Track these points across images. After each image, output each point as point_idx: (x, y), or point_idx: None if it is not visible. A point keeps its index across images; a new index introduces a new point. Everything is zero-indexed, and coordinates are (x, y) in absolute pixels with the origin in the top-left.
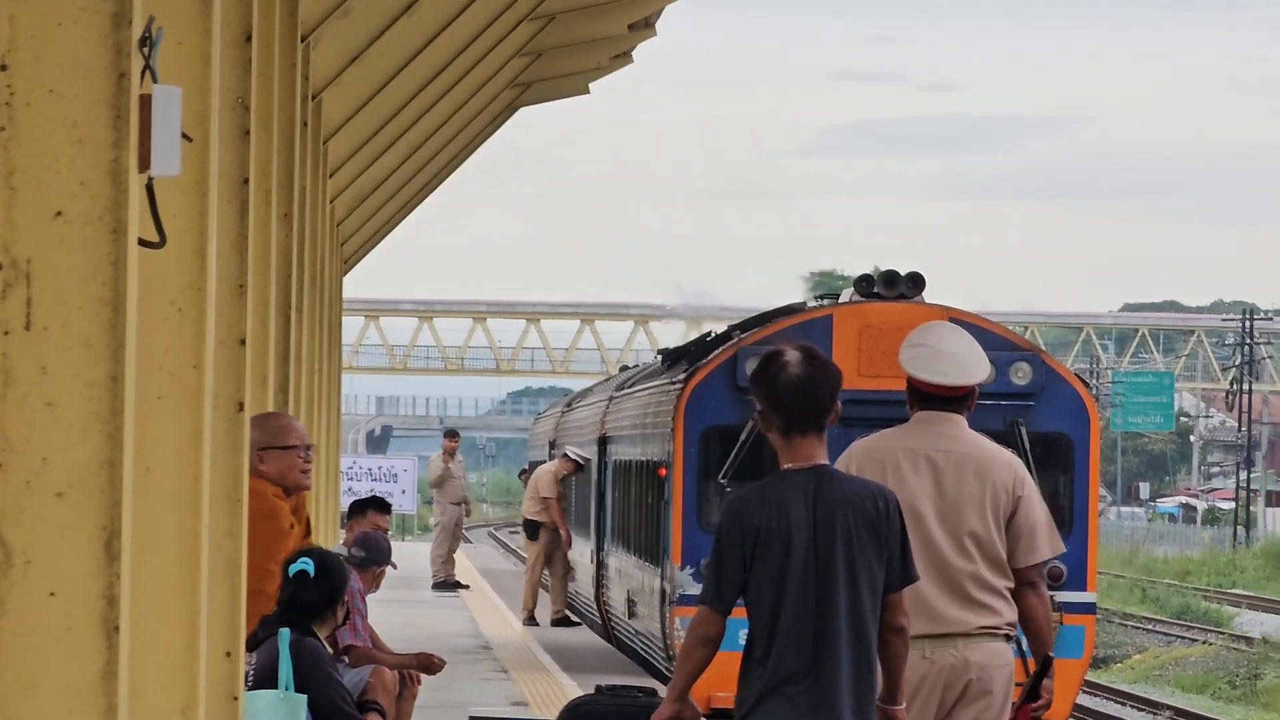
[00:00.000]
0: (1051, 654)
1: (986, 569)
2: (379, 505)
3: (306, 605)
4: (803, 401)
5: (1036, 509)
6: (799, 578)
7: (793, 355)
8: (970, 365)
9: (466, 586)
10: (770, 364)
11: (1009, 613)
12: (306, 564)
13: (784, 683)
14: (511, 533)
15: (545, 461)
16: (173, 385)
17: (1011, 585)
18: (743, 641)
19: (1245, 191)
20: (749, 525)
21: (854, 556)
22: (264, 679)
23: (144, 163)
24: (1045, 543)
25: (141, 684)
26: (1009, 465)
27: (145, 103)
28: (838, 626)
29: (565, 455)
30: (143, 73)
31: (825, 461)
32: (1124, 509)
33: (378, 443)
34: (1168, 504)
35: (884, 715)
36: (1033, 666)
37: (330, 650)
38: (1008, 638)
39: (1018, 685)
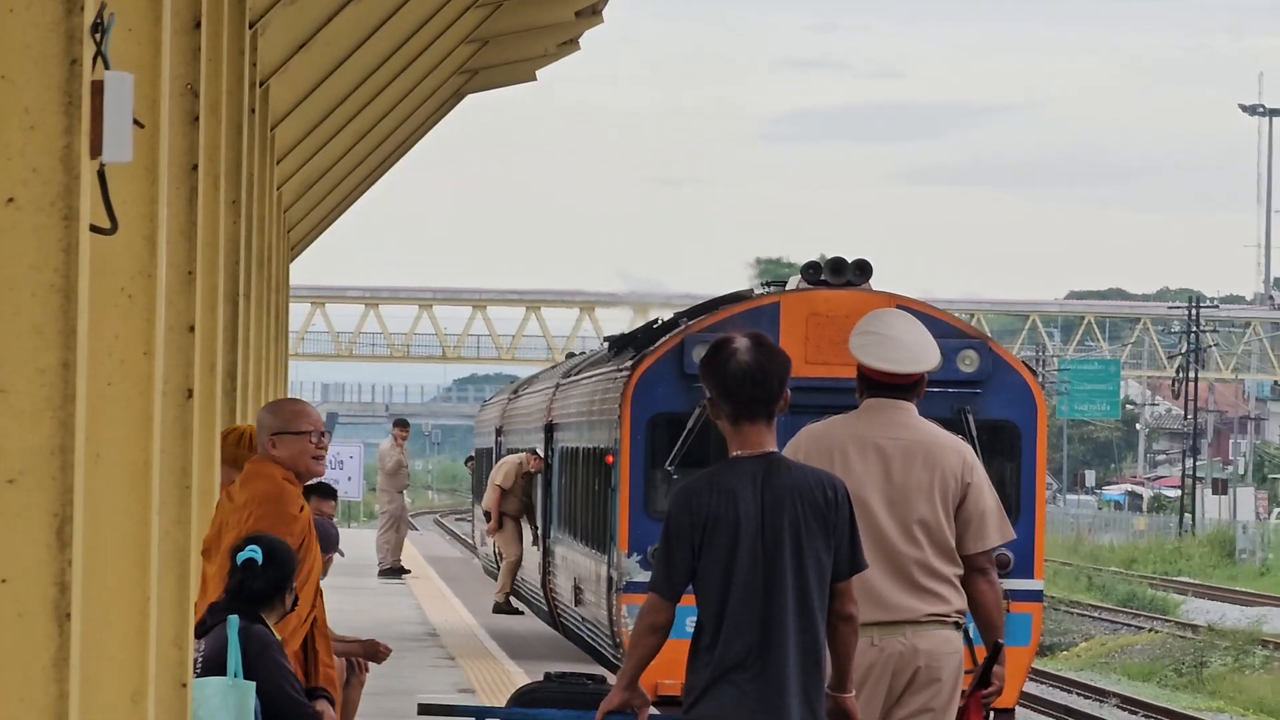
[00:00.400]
0: (1002, 640)
1: (935, 557)
2: (324, 491)
3: (255, 592)
4: (752, 389)
5: (986, 495)
6: (747, 565)
7: (742, 342)
8: (921, 352)
9: (409, 571)
10: (719, 351)
11: (958, 600)
12: (254, 551)
13: (732, 670)
14: (457, 519)
15: (491, 448)
16: (123, 372)
17: (960, 573)
18: (691, 629)
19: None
20: (698, 512)
21: (802, 544)
22: (212, 666)
23: (96, 149)
24: (995, 529)
25: (92, 671)
26: (958, 452)
27: (97, 89)
28: (785, 614)
29: (534, 451)
30: (95, 59)
31: (774, 449)
32: (1072, 497)
33: None
34: (1113, 492)
35: (833, 703)
36: (981, 654)
37: (279, 637)
38: (956, 625)
39: (967, 673)
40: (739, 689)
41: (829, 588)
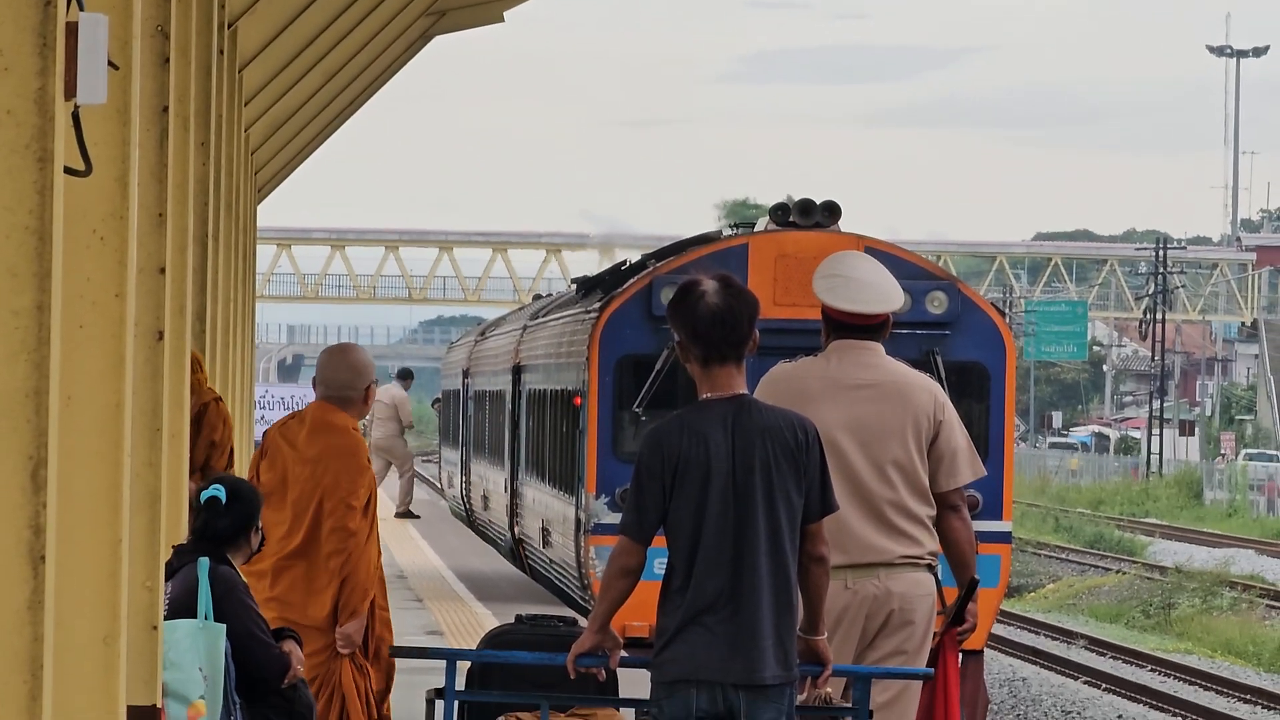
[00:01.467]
0: (976, 577)
1: (909, 497)
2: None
3: (219, 532)
4: (721, 330)
5: (957, 433)
6: (718, 507)
7: (710, 284)
8: (885, 293)
9: (419, 517)
10: (688, 293)
11: (931, 542)
12: (218, 490)
13: (703, 612)
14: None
15: (459, 390)
16: (95, 314)
17: (934, 514)
18: (661, 571)
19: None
20: (669, 454)
21: (773, 486)
22: (179, 608)
23: (70, 91)
24: (967, 466)
25: (65, 614)
26: (929, 390)
27: (71, 31)
28: (757, 556)
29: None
30: (68, 1)
31: (744, 391)
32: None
33: (289, 371)
34: (1080, 433)
35: (805, 645)
36: (952, 595)
37: (245, 579)
38: (930, 567)
39: (939, 614)
40: (710, 631)
41: (800, 529)
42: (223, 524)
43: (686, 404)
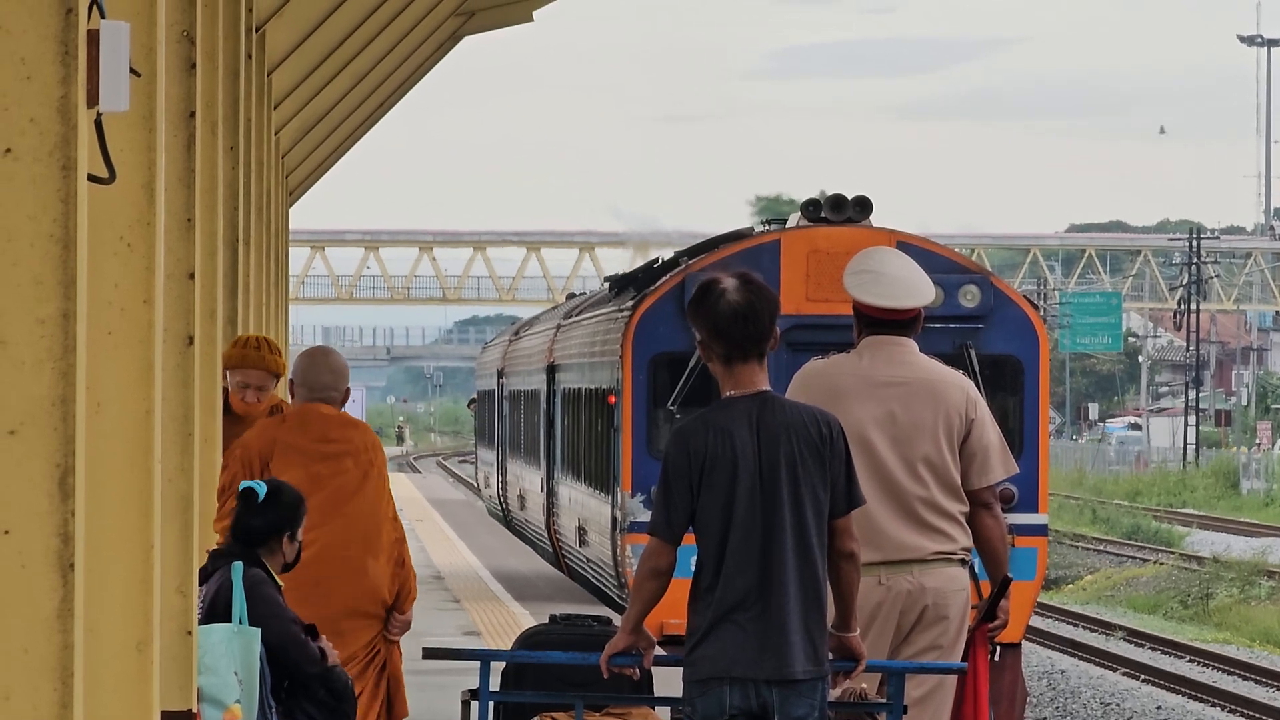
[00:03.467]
0: (1010, 575)
1: (941, 494)
2: None
3: (251, 530)
4: (742, 328)
5: (989, 430)
6: (745, 504)
7: (730, 282)
8: (916, 287)
9: None
10: (708, 292)
11: (964, 538)
12: (258, 485)
13: (733, 610)
14: (461, 462)
15: (494, 390)
16: (123, 320)
17: (966, 510)
18: (694, 569)
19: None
20: (695, 453)
21: (799, 481)
22: (212, 613)
23: (93, 98)
24: (999, 464)
25: (96, 621)
26: (960, 388)
27: (93, 38)
28: (785, 552)
29: None
30: (90, 8)
31: (767, 388)
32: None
33: None
34: (1116, 424)
35: (838, 642)
36: (987, 589)
37: (279, 583)
38: (963, 563)
39: (973, 609)
40: (741, 628)
41: (828, 525)
42: (256, 522)
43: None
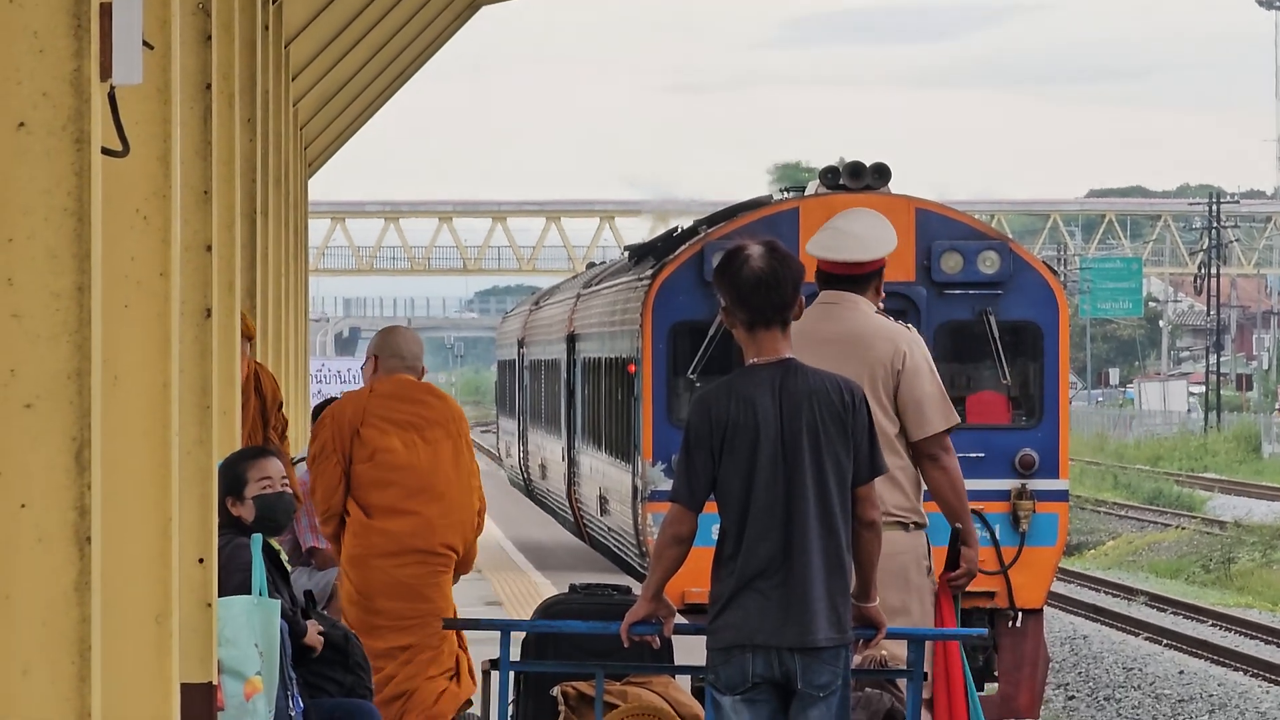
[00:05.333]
0: (959, 525)
1: None
2: None
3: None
4: (765, 295)
5: (924, 381)
6: (767, 472)
7: (755, 249)
8: (862, 243)
9: None
10: (733, 259)
11: (903, 498)
12: None
13: (756, 578)
14: (483, 431)
15: (514, 360)
16: (139, 293)
17: (906, 464)
18: (716, 538)
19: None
20: (717, 420)
21: (821, 449)
22: (221, 586)
23: (106, 71)
24: (937, 414)
25: (115, 594)
26: (890, 340)
27: (106, 11)
28: (807, 520)
29: None
30: None
31: (790, 355)
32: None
33: (346, 344)
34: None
35: (858, 612)
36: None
37: (275, 551)
38: (905, 525)
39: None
40: (764, 596)
41: (849, 493)
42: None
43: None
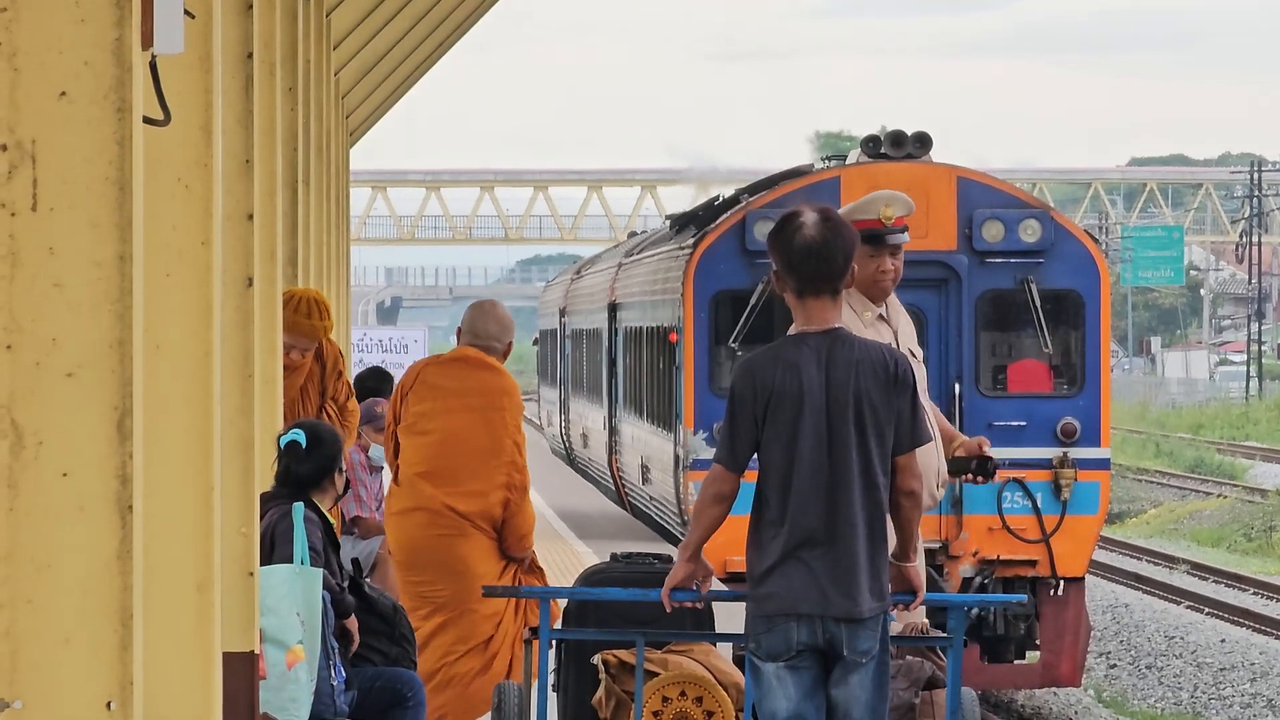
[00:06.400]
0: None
1: None
2: (380, 375)
3: (300, 477)
4: (815, 263)
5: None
6: (811, 440)
7: (809, 217)
8: None
9: None
10: (786, 225)
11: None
12: (297, 434)
13: (800, 546)
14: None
15: (556, 329)
16: (181, 262)
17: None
18: (755, 504)
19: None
20: (761, 385)
21: (865, 419)
22: (276, 554)
23: (147, 40)
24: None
25: (156, 562)
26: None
27: None
28: (851, 490)
29: None
30: None
31: (839, 324)
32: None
33: (388, 314)
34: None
35: (897, 572)
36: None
37: (328, 522)
38: None
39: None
40: (808, 566)
41: (890, 462)
42: (304, 469)
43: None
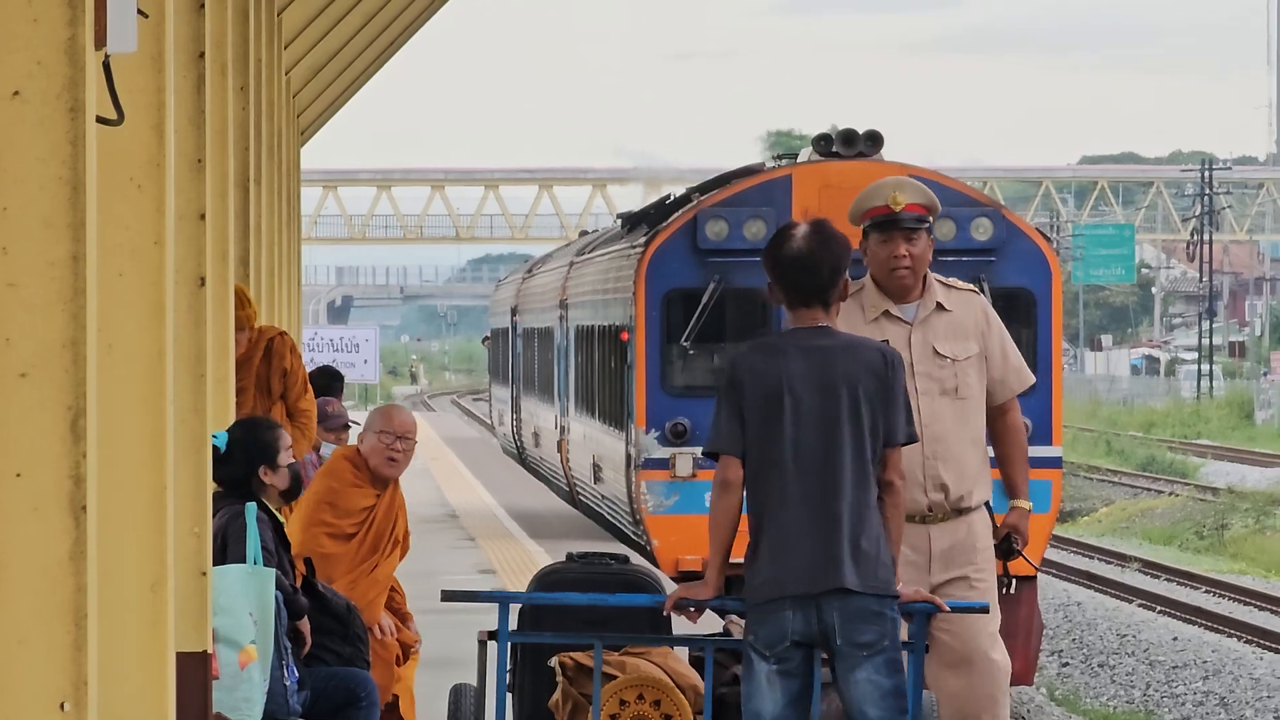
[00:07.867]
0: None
1: None
2: (332, 374)
3: (224, 479)
4: (800, 275)
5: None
6: (800, 433)
7: (801, 229)
8: None
9: None
10: (779, 236)
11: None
12: (218, 438)
13: (790, 536)
14: (475, 400)
15: (507, 329)
16: (134, 262)
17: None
18: (747, 500)
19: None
20: (751, 378)
21: (859, 410)
22: (228, 555)
23: (100, 40)
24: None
25: (110, 562)
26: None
27: None
28: (841, 481)
29: None
30: None
31: (829, 324)
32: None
33: (339, 313)
34: (1131, 356)
35: None
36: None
37: (279, 522)
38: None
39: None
40: (796, 552)
41: (879, 455)
42: (223, 471)
43: (735, 337)
